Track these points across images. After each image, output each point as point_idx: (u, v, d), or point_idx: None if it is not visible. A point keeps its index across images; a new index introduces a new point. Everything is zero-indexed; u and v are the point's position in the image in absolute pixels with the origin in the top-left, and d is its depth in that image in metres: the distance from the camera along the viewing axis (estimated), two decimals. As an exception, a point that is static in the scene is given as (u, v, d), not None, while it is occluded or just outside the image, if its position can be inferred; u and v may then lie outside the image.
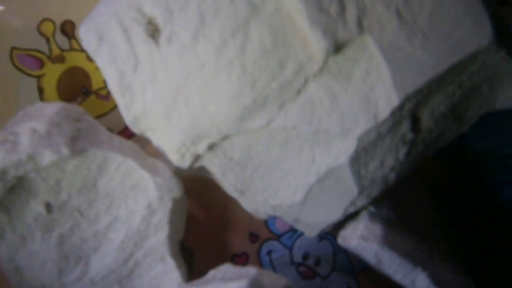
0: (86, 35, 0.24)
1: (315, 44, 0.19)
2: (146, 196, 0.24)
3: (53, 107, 0.25)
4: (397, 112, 0.19)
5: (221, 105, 0.22)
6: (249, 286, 0.19)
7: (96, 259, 0.24)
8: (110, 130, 0.29)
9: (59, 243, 0.24)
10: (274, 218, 0.28)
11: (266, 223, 0.28)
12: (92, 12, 0.24)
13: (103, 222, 0.24)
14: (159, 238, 0.24)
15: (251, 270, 0.21)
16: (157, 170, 0.24)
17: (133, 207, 0.24)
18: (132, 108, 0.24)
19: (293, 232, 0.27)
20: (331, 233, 0.27)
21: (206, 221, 0.27)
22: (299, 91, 0.21)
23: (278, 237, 0.28)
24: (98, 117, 0.29)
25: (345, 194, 0.22)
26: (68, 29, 0.30)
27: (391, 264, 0.22)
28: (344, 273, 0.27)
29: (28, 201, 0.23)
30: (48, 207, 0.24)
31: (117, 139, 0.24)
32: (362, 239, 0.22)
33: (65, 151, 0.22)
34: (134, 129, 0.25)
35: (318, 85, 0.20)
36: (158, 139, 0.25)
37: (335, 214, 0.23)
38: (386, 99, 0.19)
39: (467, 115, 0.21)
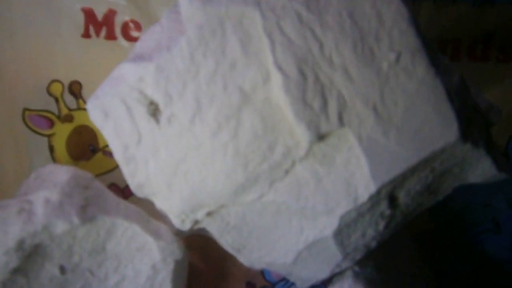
0: (93, 111, 0.26)
1: (300, 135, 0.21)
2: (151, 257, 0.26)
3: (64, 174, 0.27)
4: (374, 196, 0.21)
5: (217, 181, 0.24)
6: None
7: (106, 314, 0.27)
8: (116, 185, 0.32)
9: (72, 300, 0.26)
10: (269, 267, 0.30)
11: (262, 272, 0.30)
12: (97, 91, 0.26)
13: (112, 281, 0.26)
14: (163, 295, 0.26)
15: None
16: (160, 234, 0.26)
17: (139, 267, 0.26)
18: (136, 177, 0.26)
19: (287, 281, 0.30)
20: (321, 283, 0.30)
21: (206, 272, 0.30)
22: (287, 171, 0.23)
23: (273, 285, 0.30)
24: (105, 173, 0.31)
25: (330, 259, 0.24)
26: (76, 89, 0.32)
27: (373, 323, 0.24)
28: (333, 318, 0.30)
29: (43, 265, 0.26)
30: (62, 269, 0.26)
31: (123, 204, 0.27)
32: (347, 300, 0.24)
33: (76, 220, 0.25)
34: (138, 194, 0.27)
35: (304, 167, 0.22)
36: (160, 204, 0.27)
37: (323, 274, 0.25)
38: (365, 185, 0.21)
39: (441, 189, 0.23)
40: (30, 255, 0.25)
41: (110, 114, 0.25)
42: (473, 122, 0.21)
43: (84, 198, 0.26)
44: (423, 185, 0.22)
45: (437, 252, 0.31)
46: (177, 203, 0.26)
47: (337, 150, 0.21)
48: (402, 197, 0.22)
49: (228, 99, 0.22)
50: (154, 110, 0.25)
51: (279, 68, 0.21)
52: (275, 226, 0.25)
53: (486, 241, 0.30)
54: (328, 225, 0.23)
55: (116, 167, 0.33)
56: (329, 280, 0.28)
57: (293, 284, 0.29)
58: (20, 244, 0.24)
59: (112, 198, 0.27)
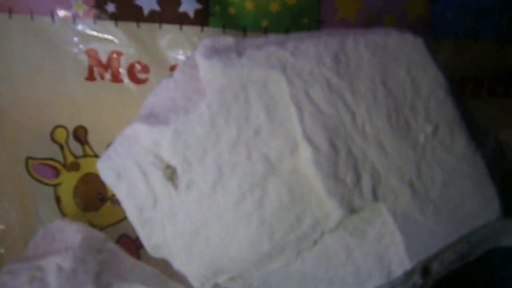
0: (104, 171, 0.24)
1: (331, 210, 0.20)
2: (170, 323, 0.25)
3: (75, 235, 0.26)
4: (409, 272, 0.20)
5: (241, 249, 0.23)
6: None
7: None
8: (127, 236, 0.30)
9: None
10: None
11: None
12: (109, 150, 0.24)
13: None
14: None
15: None
16: (179, 299, 0.25)
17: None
18: (152, 239, 0.25)
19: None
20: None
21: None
22: (315, 242, 0.22)
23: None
24: (115, 223, 0.30)
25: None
26: (81, 135, 0.30)
27: None
28: None
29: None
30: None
31: (139, 267, 0.25)
32: None
33: (91, 291, 0.23)
34: (154, 255, 0.26)
35: (334, 239, 0.21)
36: (178, 265, 0.26)
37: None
38: (399, 262, 0.20)
39: (473, 254, 0.23)
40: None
41: (123, 176, 0.24)
42: (510, 189, 0.20)
43: (98, 263, 0.24)
44: (457, 254, 0.21)
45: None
46: (197, 268, 0.25)
47: (370, 224, 0.20)
48: (435, 267, 0.21)
49: (252, 168, 0.21)
50: (171, 174, 0.23)
51: (309, 140, 0.20)
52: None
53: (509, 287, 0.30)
54: (357, 295, 0.22)
55: (125, 217, 0.32)
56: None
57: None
58: (34, 318, 0.23)
59: (127, 260, 0.25)
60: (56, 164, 0.30)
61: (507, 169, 0.21)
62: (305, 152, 0.20)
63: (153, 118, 0.23)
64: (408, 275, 0.21)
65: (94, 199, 0.30)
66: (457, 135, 0.19)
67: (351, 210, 0.20)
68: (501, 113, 0.31)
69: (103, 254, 0.25)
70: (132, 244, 0.30)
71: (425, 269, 0.21)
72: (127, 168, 0.24)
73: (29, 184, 0.30)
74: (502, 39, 0.30)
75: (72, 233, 0.26)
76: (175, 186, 0.23)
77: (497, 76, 0.31)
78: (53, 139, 0.30)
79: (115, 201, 0.30)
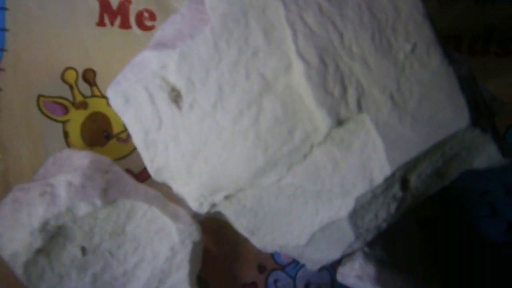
0: (113, 97, 0.27)
1: (320, 120, 0.22)
2: (169, 239, 0.27)
3: (83, 159, 0.28)
4: (389, 178, 0.22)
5: (237, 165, 0.25)
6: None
7: (125, 294, 0.28)
8: (130, 171, 0.32)
9: (93, 281, 0.27)
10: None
11: (272, 255, 0.31)
12: (118, 77, 0.26)
13: (131, 262, 0.27)
14: (181, 275, 0.27)
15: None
16: (179, 217, 0.27)
17: (158, 249, 0.27)
18: (156, 161, 0.27)
19: (296, 263, 0.31)
20: (330, 265, 0.31)
21: (219, 255, 0.31)
22: (305, 156, 0.24)
23: (283, 267, 0.31)
24: (119, 159, 0.32)
25: (343, 239, 0.26)
26: (90, 77, 0.32)
27: (382, 300, 0.25)
28: (340, 299, 0.31)
29: (65, 246, 0.26)
30: (83, 250, 0.27)
31: (143, 188, 0.27)
32: (358, 278, 0.25)
33: (98, 203, 0.25)
34: (157, 178, 0.28)
35: (322, 151, 0.23)
36: (178, 188, 0.28)
37: (334, 255, 0.27)
38: (380, 168, 0.22)
39: (449, 173, 0.25)
40: (53, 236, 0.26)
41: (131, 100, 0.26)
42: (480, 110, 0.23)
43: (105, 181, 0.26)
44: (433, 168, 0.24)
45: (438, 237, 0.32)
46: (196, 187, 0.27)
47: (355, 135, 0.23)
48: (413, 180, 0.24)
49: (250, 86, 0.23)
50: (175, 97, 0.25)
51: (301, 57, 0.22)
52: (290, 209, 0.26)
53: (484, 225, 0.32)
54: (343, 207, 0.24)
55: (130, 153, 0.34)
56: (339, 262, 0.29)
57: (303, 266, 0.31)
58: (44, 225, 0.25)
59: (131, 182, 0.27)
60: (66, 102, 0.32)
61: (478, 93, 0.23)
62: (298, 68, 0.22)
63: (161, 46, 0.26)
64: (388, 183, 0.23)
65: (100, 136, 0.32)
66: (433, 52, 0.21)
67: (338, 121, 0.22)
68: (481, 70, 0.34)
69: (109, 174, 0.27)
70: (134, 178, 0.32)
71: (404, 181, 0.24)
72: (135, 92, 0.26)
73: (39, 120, 0.31)
74: (482, 0, 0.32)
75: (80, 158, 0.28)
76: (179, 107, 0.25)
77: (476, 34, 0.33)
78: (64, 80, 0.32)
79: (120, 139, 0.32)
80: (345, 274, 0.26)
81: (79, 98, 0.32)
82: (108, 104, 0.33)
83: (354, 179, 0.23)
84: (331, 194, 0.24)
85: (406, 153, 0.22)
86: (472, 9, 0.33)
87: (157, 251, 0.27)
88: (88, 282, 0.27)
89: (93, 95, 0.32)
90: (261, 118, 0.24)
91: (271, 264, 0.31)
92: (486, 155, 0.24)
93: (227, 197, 0.27)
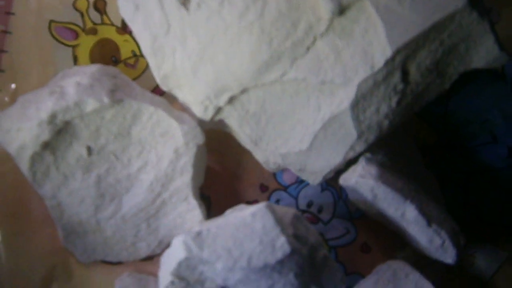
0: (123, 4, 0.28)
1: (323, 8, 0.23)
2: (174, 142, 0.27)
3: (92, 67, 0.28)
4: (390, 63, 0.23)
5: (243, 61, 0.25)
6: (265, 207, 0.22)
7: (128, 198, 0.28)
8: (137, 94, 0.33)
9: (97, 182, 0.27)
10: (281, 171, 0.31)
11: (275, 176, 0.31)
12: (129, -15, 0.27)
13: (135, 166, 0.27)
14: (184, 179, 0.27)
15: (263, 202, 0.24)
16: (184, 120, 0.27)
17: (162, 152, 0.27)
18: (163, 68, 0.28)
19: (299, 183, 0.31)
20: (332, 185, 0.31)
21: (222, 173, 0.31)
22: (308, 48, 0.24)
23: (285, 188, 0.31)
24: (126, 82, 0.33)
25: (345, 138, 0.26)
26: (100, 6, 0.33)
27: (385, 198, 0.25)
28: (343, 219, 0.31)
29: (71, 144, 0.27)
30: (89, 150, 0.27)
31: (149, 94, 0.28)
32: (360, 177, 0.25)
33: (106, 100, 0.26)
34: (163, 87, 0.29)
35: (324, 42, 0.24)
36: (184, 95, 0.28)
37: (337, 159, 0.27)
38: (381, 51, 0.23)
39: (448, 72, 0.25)
40: (60, 132, 0.26)
41: (141, 7, 0.27)
42: (480, 2, 0.23)
43: (113, 83, 0.27)
44: (433, 60, 0.24)
45: (439, 162, 0.32)
46: (201, 89, 0.27)
47: (356, 22, 0.23)
48: (413, 71, 0.24)
49: (255, -19, 0.25)
50: (184, -1, 0.27)
51: None
52: (293, 110, 0.27)
53: (484, 152, 0.32)
54: (345, 97, 0.24)
55: (137, 77, 0.34)
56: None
57: (305, 186, 0.31)
58: (52, 118, 0.25)
59: (138, 88, 0.28)
60: (76, 28, 0.33)
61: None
62: (301, -42, 0.23)
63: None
64: (389, 69, 0.24)
65: (108, 61, 0.33)
66: None
67: (340, 8, 0.23)
68: None
69: (117, 79, 0.28)
70: (140, 101, 0.32)
71: (404, 71, 0.24)
72: (144, -1, 0.27)
73: (50, 44, 0.32)
74: None
75: (88, 67, 0.29)
76: (187, 8, 0.26)
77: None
78: (75, 8, 0.33)
79: (127, 64, 0.33)
80: (347, 176, 0.26)
81: (89, 24, 0.33)
82: (117, 32, 0.35)
83: (356, 66, 0.23)
84: (333, 86, 0.25)
85: (406, 33, 0.22)
86: None
87: (161, 155, 0.27)
88: (92, 183, 0.27)
89: (103, 23, 0.33)
90: (265, 12, 0.25)
91: (274, 184, 0.31)
92: (484, 50, 0.24)
93: (231, 100, 0.27)
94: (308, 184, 0.31)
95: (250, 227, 0.22)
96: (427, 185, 0.29)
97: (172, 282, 0.23)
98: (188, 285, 0.24)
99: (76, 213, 0.27)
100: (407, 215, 0.26)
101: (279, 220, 0.23)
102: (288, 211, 0.25)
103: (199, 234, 0.22)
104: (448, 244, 0.26)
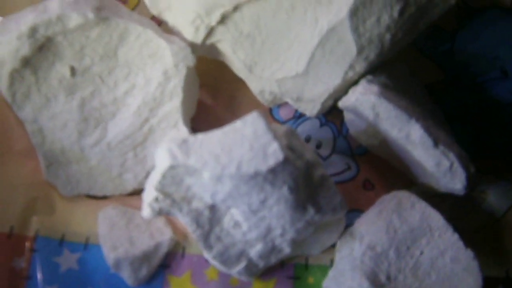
0: None
1: None
2: (163, 63, 0.26)
3: None
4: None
5: (234, -28, 0.24)
6: (257, 113, 0.21)
7: (113, 124, 0.26)
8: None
9: (80, 105, 0.26)
10: (278, 107, 0.30)
11: (271, 111, 0.30)
12: None
13: (121, 89, 0.26)
14: (174, 104, 0.26)
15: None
16: (173, 40, 0.26)
17: (150, 74, 0.26)
18: (153, -14, 0.26)
19: (296, 118, 0.29)
20: (331, 121, 0.29)
21: (215, 108, 0.29)
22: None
23: (282, 123, 0.29)
24: (117, 17, 0.32)
25: (344, 55, 0.24)
26: None
27: (387, 116, 0.23)
28: (344, 155, 0.29)
29: (54, 64, 0.25)
30: (72, 70, 0.25)
31: (136, 15, 0.26)
32: (361, 94, 0.24)
33: (90, 15, 0.24)
34: (153, 10, 0.27)
35: None
36: (174, 18, 0.27)
37: (336, 80, 0.25)
38: None
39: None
40: (42, 49, 0.25)
41: None
42: None
43: (99, 1, 0.26)
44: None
45: (447, 99, 0.30)
46: (192, 6, 0.26)
47: None
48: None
49: None
50: None
51: None
52: (289, 26, 0.25)
53: (494, 87, 0.30)
54: (343, 4, 0.23)
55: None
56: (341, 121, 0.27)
57: (303, 122, 0.29)
58: (33, 31, 0.24)
59: (125, 9, 0.26)
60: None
61: None
62: None
63: None
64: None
65: (98, -4, 0.32)
66: None
67: None
68: None
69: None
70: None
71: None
72: None
73: None
74: None
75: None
76: None
77: None
78: None
79: None
80: (347, 98, 0.24)
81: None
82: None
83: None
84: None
85: None
86: None
87: (149, 77, 0.26)
88: (76, 107, 0.25)
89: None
90: None
91: (270, 120, 0.29)
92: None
93: (223, 19, 0.26)
94: (306, 119, 0.29)
95: (240, 133, 0.20)
96: (435, 115, 0.27)
97: (156, 199, 0.21)
98: (173, 203, 0.22)
99: (59, 139, 0.26)
100: (412, 136, 0.24)
101: (271, 129, 0.21)
102: (281, 126, 0.23)
103: (185, 141, 0.20)
104: (457, 166, 0.23)
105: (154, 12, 0.27)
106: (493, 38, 0.31)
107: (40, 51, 0.25)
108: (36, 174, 0.27)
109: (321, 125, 0.29)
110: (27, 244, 0.26)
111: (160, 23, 0.28)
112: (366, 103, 0.24)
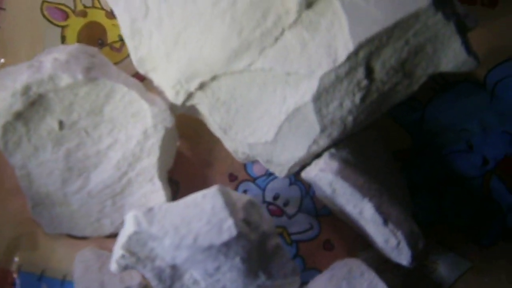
0: (107, -13, 0.29)
1: (292, 1, 0.23)
2: (143, 123, 0.28)
3: (73, 46, 0.29)
4: (352, 58, 0.23)
5: (214, 48, 0.26)
6: (217, 189, 0.23)
7: (95, 174, 0.28)
8: (119, 77, 0.34)
9: (66, 156, 0.28)
10: (252, 163, 0.32)
11: (245, 166, 0.32)
12: (114, -31, 0.28)
13: (104, 143, 0.28)
14: (151, 160, 0.28)
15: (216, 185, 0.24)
16: (155, 102, 0.28)
17: (131, 132, 0.28)
18: (140, 50, 0.29)
19: (267, 176, 0.31)
20: (300, 180, 0.31)
21: (193, 160, 0.31)
22: (276, 39, 0.25)
23: (254, 179, 0.31)
24: (110, 65, 0.34)
25: (309, 132, 0.26)
26: (92, -10, 0.35)
27: (343, 193, 0.25)
28: (308, 215, 0.31)
29: (44, 117, 0.27)
30: (61, 124, 0.28)
31: (124, 75, 0.29)
32: (320, 170, 0.25)
33: (80, 76, 0.27)
34: (140, 69, 0.29)
35: (292, 34, 0.24)
36: (158, 79, 0.29)
37: (301, 152, 0.27)
38: (344, 45, 0.23)
39: (416, 73, 0.25)
40: (34, 104, 0.27)
41: (123, -9, 0.28)
42: (447, 5, 0.23)
43: (89, 62, 0.28)
44: (398, 59, 0.24)
45: (413, 167, 0.32)
46: (174, 73, 0.28)
47: (322, 15, 0.24)
48: (378, 69, 0.24)
49: (229, -30, 0.25)
50: (163, -16, 0.27)
51: None
52: (261, 100, 0.27)
53: (459, 159, 0.32)
54: (308, 89, 0.25)
55: (121, 60, 0.35)
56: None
57: (273, 179, 0.31)
58: (26, 89, 0.26)
59: (114, 69, 0.29)
60: (67, 9, 0.34)
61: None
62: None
63: None
64: (352, 64, 0.24)
65: (95, 43, 0.34)
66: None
67: (308, 0, 0.23)
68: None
69: (95, 59, 0.28)
70: (121, 84, 0.33)
71: (368, 68, 0.24)
72: (126, -18, 0.28)
73: (41, 23, 0.33)
74: None
75: (70, 46, 0.29)
76: (165, -7, 0.27)
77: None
78: (68, -10, 0.34)
79: (113, 48, 0.34)
80: (309, 170, 0.26)
81: (80, 7, 0.34)
82: (106, 16, 0.36)
83: (320, 59, 0.24)
84: (298, 78, 0.25)
85: (369, 29, 0.22)
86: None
87: (130, 134, 0.28)
88: (61, 157, 0.28)
89: (93, 6, 0.34)
90: (238, 2, 0.25)
91: (243, 174, 0.32)
92: (452, 53, 0.24)
93: (202, 86, 0.28)
94: (276, 177, 0.31)
95: (200, 207, 0.22)
96: (394, 188, 0.29)
97: (123, 256, 0.24)
98: (138, 261, 0.24)
99: (45, 184, 0.28)
100: (364, 213, 0.26)
101: (230, 204, 0.23)
102: (243, 197, 0.25)
103: (150, 210, 0.23)
104: (403, 245, 0.25)
105: (141, 71, 0.29)
106: (463, 111, 0.33)
107: (32, 106, 0.27)
108: (23, 211, 0.30)
109: (290, 184, 0.31)
110: (9, 279, 0.28)
111: (143, 79, 0.30)
112: (325, 179, 0.26)
